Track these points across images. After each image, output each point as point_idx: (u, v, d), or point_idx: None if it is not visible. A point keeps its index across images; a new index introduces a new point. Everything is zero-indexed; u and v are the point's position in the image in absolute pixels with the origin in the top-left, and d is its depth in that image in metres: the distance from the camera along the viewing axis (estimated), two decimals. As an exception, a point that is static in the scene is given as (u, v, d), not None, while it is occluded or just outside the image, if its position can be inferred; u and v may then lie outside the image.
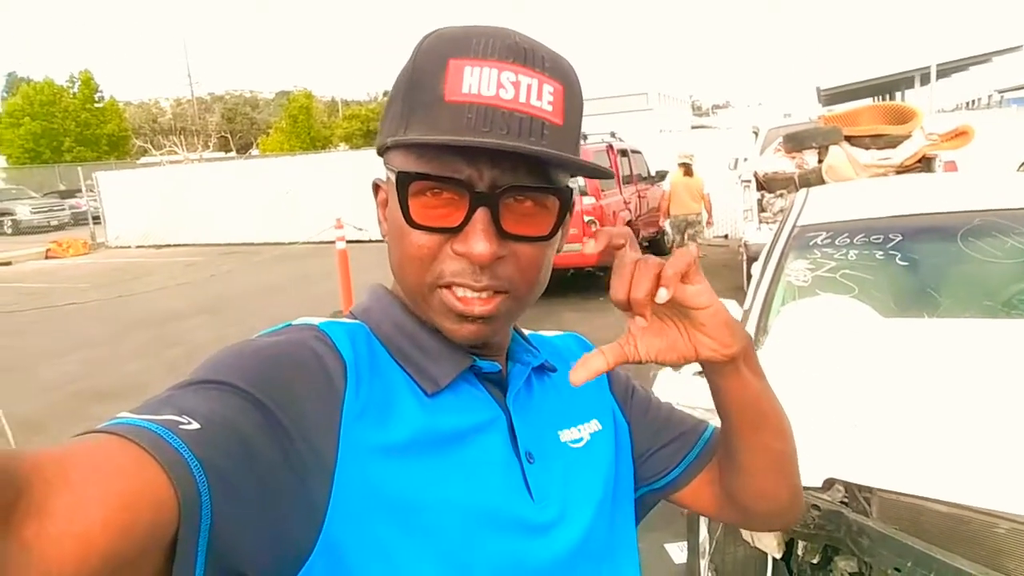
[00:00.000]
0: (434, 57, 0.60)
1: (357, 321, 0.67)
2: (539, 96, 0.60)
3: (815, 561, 2.01)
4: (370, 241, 14.69)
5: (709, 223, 9.30)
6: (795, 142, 6.91)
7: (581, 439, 0.76)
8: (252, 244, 16.58)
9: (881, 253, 2.84)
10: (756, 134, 9.09)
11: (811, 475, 1.86)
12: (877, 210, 3.12)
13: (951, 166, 6.17)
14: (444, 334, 0.65)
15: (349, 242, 7.76)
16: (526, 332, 0.82)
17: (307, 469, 0.53)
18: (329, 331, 0.62)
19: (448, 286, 0.62)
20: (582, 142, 6.96)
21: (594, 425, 0.78)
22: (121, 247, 18.00)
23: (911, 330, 2.40)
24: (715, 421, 2.41)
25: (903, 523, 1.75)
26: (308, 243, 14.91)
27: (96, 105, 35.87)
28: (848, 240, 2.95)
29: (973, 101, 36.82)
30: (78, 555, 0.37)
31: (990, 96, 36.19)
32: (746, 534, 2.20)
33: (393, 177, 0.62)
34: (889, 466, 1.79)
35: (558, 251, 0.69)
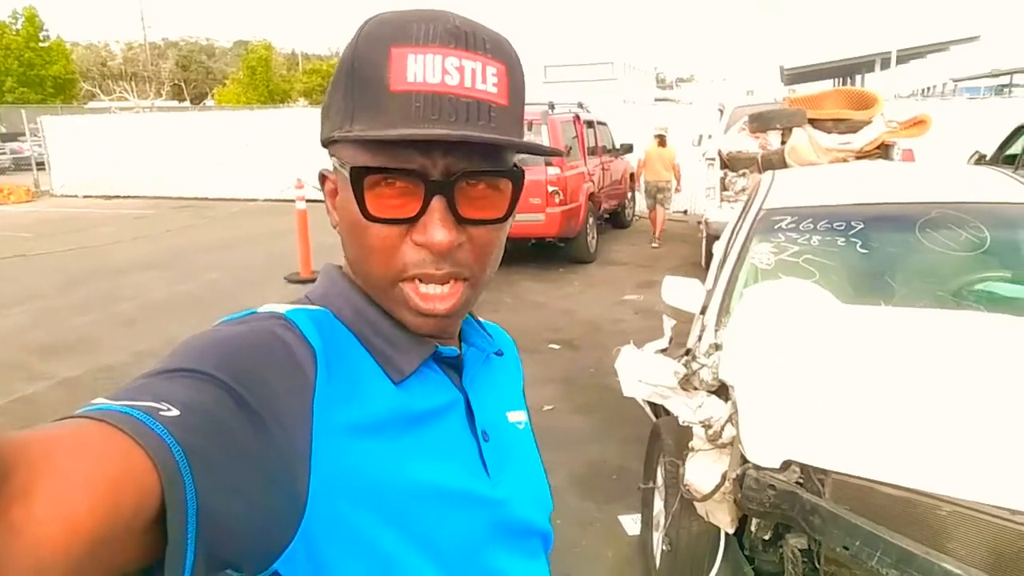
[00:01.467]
0: (376, 45, 0.60)
1: (319, 307, 0.66)
2: (483, 79, 0.61)
3: (767, 537, 2.08)
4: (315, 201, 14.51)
5: (678, 190, 9.91)
6: (760, 122, 6.98)
7: (521, 422, 0.81)
8: (207, 199, 16.14)
9: (843, 240, 2.91)
10: (721, 112, 9.16)
11: (770, 456, 1.92)
12: (840, 197, 3.18)
13: (908, 154, 6.31)
14: (408, 329, 0.66)
15: (308, 202, 7.60)
16: None
17: (284, 455, 0.53)
18: (295, 319, 0.61)
19: (411, 279, 0.63)
20: (549, 111, 6.94)
21: (524, 415, 0.83)
22: (67, 196, 17.32)
23: (868, 317, 2.47)
24: (674, 402, 2.42)
25: (854, 504, 1.82)
26: (266, 200, 14.61)
27: (41, 44, 34.14)
28: (812, 225, 3.01)
29: (929, 88, 37.65)
30: (64, 538, 0.37)
31: (944, 84, 37.03)
32: (700, 509, 2.27)
33: (346, 172, 0.62)
34: (843, 449, 1.85)
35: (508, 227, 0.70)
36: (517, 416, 0.80)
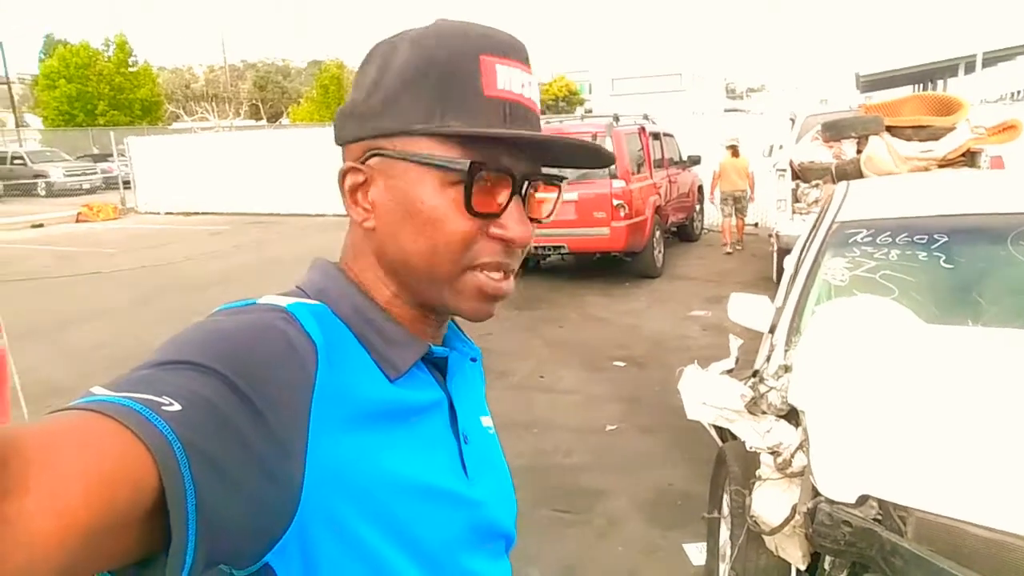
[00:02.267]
0: (464, 51, 0.63)
1: (317, 302, 0.66)
2: (535, 91, 0.69)
3: (843, 576, 1.93)
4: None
5: (752, 199, 10.02)
6: (834, 131, 6.69)
7: (491, 428, 0.82)
8: (279, 215, 16.67)
9: (925, 254, 2.72)
10: (793, 121, 8.86)
11: (845, 490, 1.78)
12: (921, 208, 2.98)
13: (997, 162, 5.94)
14: (461, 315, 0.70)
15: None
16: None
17: (281, 450, 0.53)
18: (296, 313, 0.61)
19: (481, 267, 0.66)
20: (614, 123, 6.88)
21: (491, 421, 0.84)
22: (150, 212, 18.18)
23: (954, 338, 2.29)
24: (741, 426, 2.30)
25: (940, 546, 1.67)
26: (336, 215, 14.94)
27: (130, 69, 36.07)
28: (890, 239, 2.83)
29: (1018, 92, 35.72)
30: (59, 531, 0.37)
31: (1034, 87, 35.07)
32: (770, 543, 2.13)
33: (458, 165, 0.63)
34: (928, 485, 1.71)
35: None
36: (487, 422, 0.82)
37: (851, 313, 2.50)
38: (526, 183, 0.67)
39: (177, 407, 0.46)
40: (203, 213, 17.52)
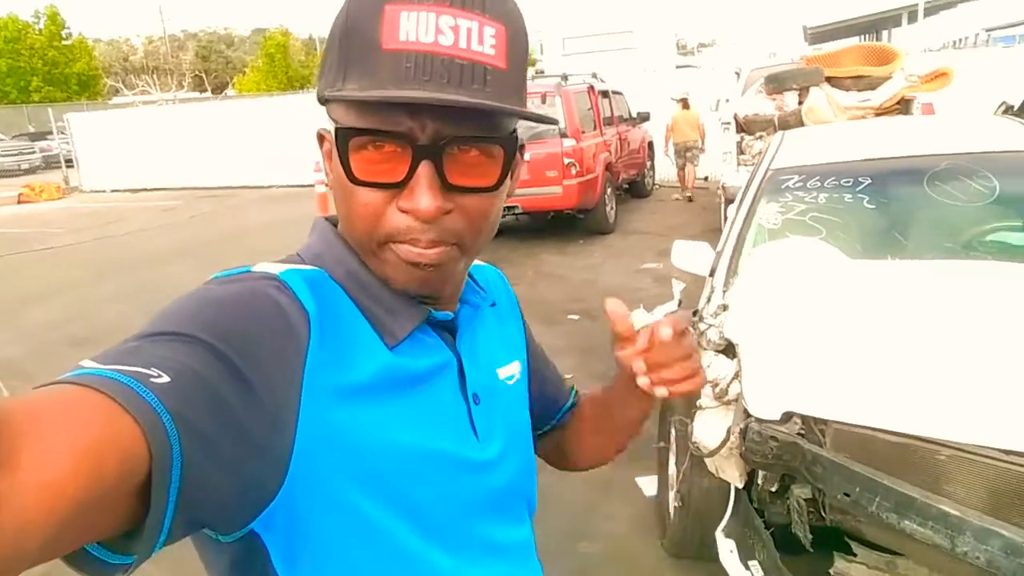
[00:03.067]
0: (370, 2, 0.58)
1: (313, 268, 0.65)
2: (480, 40, 0.58)
3: (773, 489, 2.12)
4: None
5: (702, 150, 10.39)
6: (776, 83, 6.88)
7: (513, 375, 0.79)
8: (230, 187, 16.36)
9: (850, 196, 2.90)
10: (738, 75, 9.03)
11: (771, 409, 1.96)
12: (848, 154, 3.16)
13: (928, 108, 6.18)
14: (399, 288, 0.65)
15: (305, 187, 7.71)
16: None
17: (271, 420, 0.53)
18: (289, 281, 0.60)
19: (397, 241, 0.61)
20: (562, 82, 6.90)
21: (518, 364, 0.82)
22: (96, 191, 17.68)
23: (873, 271, 2.48)
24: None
25: (854, 452, 1.85)
26: (287, 186, 14.77)
27: (64, 43, 34.58)
28: (819, 183, 3.00)
29: (961, 40, 36.49)
30: (48, 504, 0.37)
31: (977, 35, 35.86)
32: (710, 465, 2.31)
33: (334, 131, 0.61)
34: (842, 399, 1.89)
35: (509, 195, 0.69)
36: (510, 369, 0.79)
37: (780, 254, 2.68)
38: (445, 146, 0.58)
39: (166, 379, 0.46)
40: (152, 189, 17.10)
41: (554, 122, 0.76)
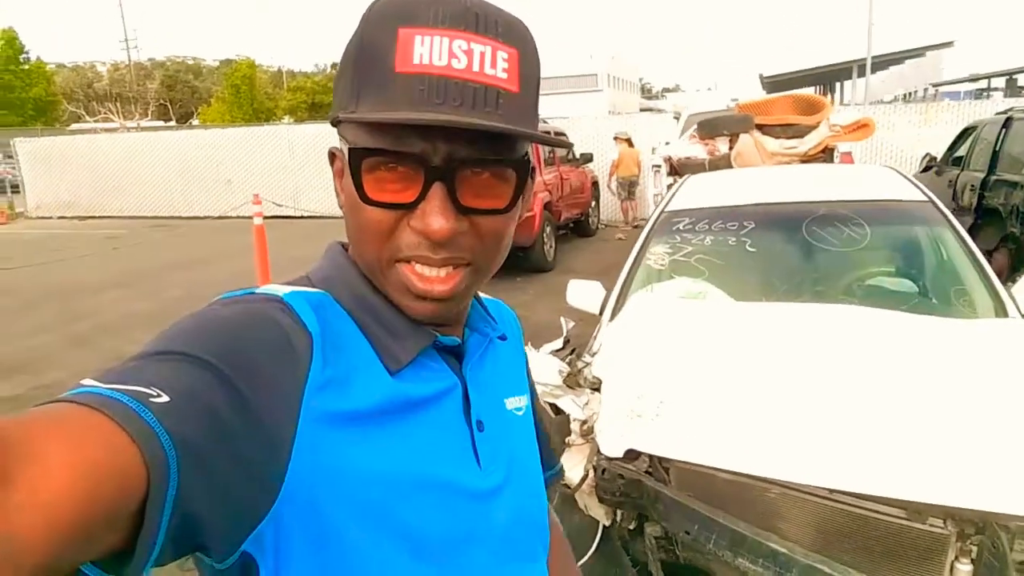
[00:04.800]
0: (383, 26, 0.58)
1: (319, 290, 0.65)
2: (493, 64, 0.58)
3: (632, 527, 2.15)
4: (290, 217, 14.56)
5: (637, 183, 11.38)
6: (708, 128, 7.10)
7: (521, 408, 0.79)
8: (180, 217, 16.19)
9: (734, 239, 2.99)
10: (677, 118, 9.29)
11: (617, 446, 1.99)
12: (737, 198, 3.26)
13: (847, 157, 6.42)
14: (403, 311, 0.65)
15: (267, 218, 7.67)
16: None
17: (267, 442, 0.52)
18: (293, 303, 0.60)
19: (407, 260, 0.61)
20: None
21: (525, 399, 0.81)
22: (42, 218, 17.30)
23: (736, 313, 2.55)
24: (565, 400, 2.45)
25: (697, 490, 1.89)
26: (239, 217, 14.64)
27: (22, 67, 34.16)
28: (707, 226, 3.09)
29: (910, 93, 38.15)
30: (43, 525, 0.37)
31: (926, 89, 37.53)
32: (580, 502, 2.33)
33: (346, 152, 0.61)
34: (683, 438, 1.92)
35: (520, 217, 0.69)
36: (517, 402, 0.78)
37: (659, 295, 2.74)
38: (457, 168, 0.59)
39: (165, 398, 0.45)
40: (100, 217, 16.78)
41: (569, 145, 0.60)
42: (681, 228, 3.14)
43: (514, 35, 0.61)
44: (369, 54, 0.58)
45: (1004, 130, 6.95)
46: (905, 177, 3.22)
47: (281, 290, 0.62)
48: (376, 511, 0.58)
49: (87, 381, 0.47)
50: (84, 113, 43.41)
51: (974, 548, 1.63)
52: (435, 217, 0.58)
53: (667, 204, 3.39)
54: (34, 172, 17.43)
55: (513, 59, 0.60)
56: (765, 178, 3.65)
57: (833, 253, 2.85)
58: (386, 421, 0.60)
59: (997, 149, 6.95)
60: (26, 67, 34.60)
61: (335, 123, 0.64)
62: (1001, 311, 2.46)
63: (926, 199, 2.99)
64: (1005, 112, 7.37)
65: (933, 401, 1.88)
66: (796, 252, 2.92)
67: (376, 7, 0.60)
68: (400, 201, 0.59)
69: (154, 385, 0.46)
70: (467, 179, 0.60)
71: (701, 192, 3.48)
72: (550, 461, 0.92)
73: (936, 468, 1.66)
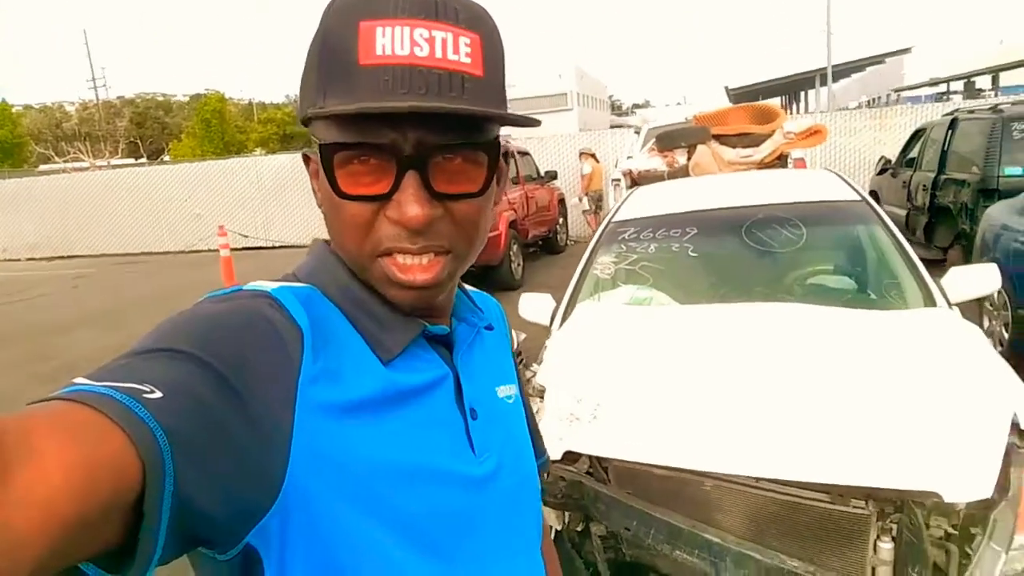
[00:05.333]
0: (345, 20, 0.59)
1: (306, 285, 0.65)
2: (455, 49, 0.59)
3: (580, 529, 2.18)
4: (261, 248, 14.52)
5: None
6: (665, 141, 7.24)
7: (511, 396, 0.80)
8: (150, 253, 16.10)
9: (677, 245, 3.07)
10: (638, 133, 9.44)
11: (556, 449, 2.04)
12: (679, 206, 3.35)
13: (800, 163, 6.58)
14: (389, 300, 0.65)
15: (237, 249, 7.66)
16: None
17: (264, 436, 0.53)
18: (282, 297, 0.60)
19: (388, 253, 0.62)
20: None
21: (515, 388, 0.82)
22: (10, 260, 17.11)
23: (673, 316, 2.62)
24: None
25: (635, 488, 1.93)
26: (209, 250, 14.58)
27: (-13, 110, 33.90)
28: (651, 234, 3.17)
29: (874, 99, 38.98)
30: (40, 521, 0.37)
31: (888, 95, 38.36)
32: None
33: (318, 148, 0.62)
34: (619, 438, 1.98)
35: (496, 202, 0.69)
36: (507, 390, 0.79)
37: (597, 307, 2.80)
38: (429, 155, 0.59)
39: (158, 395, 0.46)
40: (68, 257, 16.63)
41: (536, 123, 0.67)
42: (626, 237, 3.21)
43: (475, 20, 0.62)
44: (332, 49, 0.59)
45: (950, 131, 7.16)
46: (841, 178, 3.32)
47: (269, 286, 0.63)
48: (376, 500, 0.58)
49: (80, 379, 0.47)
50: (53, 154, 43.09)
51: (894, 526, 1.69)
52: (410, 205, 0.59)
53: (614, 215, 3.47)
54: (2, 215, 17.24)
55: (476, 44, 0.61)
56: (708, 186, 3.74)
57: (773, 254, 2.93)
58: (382, 411, 0.61)
59: (945, 149, 7.15)
60: (-9, 110, 34.32)
61: (305, 122, 0.64)
62: (930, 301, 2.54)
63: (860, 199, 3.09)
64: (951, 113, 7.59)
65: (854, 389, 1.94)
66: (737, 255, 3.00)
67: (336, 3, 0.60)
68: (375, 193, 0.60)
69: (147, 382, 0.46)
70: (439, 165, 0.60)
71: (647, 202, 3.56)
72: (540, 449, 0.94)
73: (855, 452, 1.73)
